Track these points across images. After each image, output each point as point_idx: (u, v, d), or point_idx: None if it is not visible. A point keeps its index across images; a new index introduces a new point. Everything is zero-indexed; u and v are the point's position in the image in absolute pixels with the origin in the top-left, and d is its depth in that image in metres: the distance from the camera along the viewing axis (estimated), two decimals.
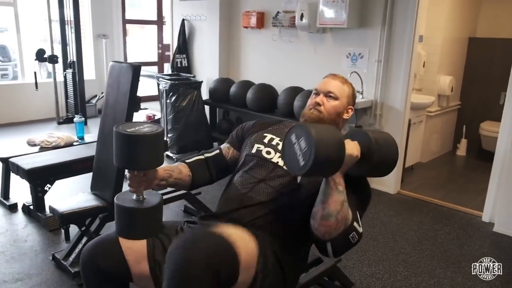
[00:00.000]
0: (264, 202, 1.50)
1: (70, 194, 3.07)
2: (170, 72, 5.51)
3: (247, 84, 4.45)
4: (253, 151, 1.63)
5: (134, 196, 1.33)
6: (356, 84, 3.83)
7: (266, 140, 1.66)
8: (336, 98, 1.61)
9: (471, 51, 5.07)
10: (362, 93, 3.82)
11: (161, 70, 7.71)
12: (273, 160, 1.59)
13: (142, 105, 7.36)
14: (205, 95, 4.84)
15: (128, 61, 7.59)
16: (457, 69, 5.01)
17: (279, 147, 1.58)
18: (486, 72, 4.96)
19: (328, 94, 1.61)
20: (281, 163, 1.55)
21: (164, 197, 2.94)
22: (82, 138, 3.79)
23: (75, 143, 3.66)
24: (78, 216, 2.49)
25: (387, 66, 3.68)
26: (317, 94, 1.64)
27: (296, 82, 4.21)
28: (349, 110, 1.65)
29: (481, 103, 5.02)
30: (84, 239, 2.53)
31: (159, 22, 7.58)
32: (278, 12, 4.36)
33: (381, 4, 3.60)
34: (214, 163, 1.73)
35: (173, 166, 1.64)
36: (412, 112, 4.00)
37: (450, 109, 4.97)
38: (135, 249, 1.47)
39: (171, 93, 4.44)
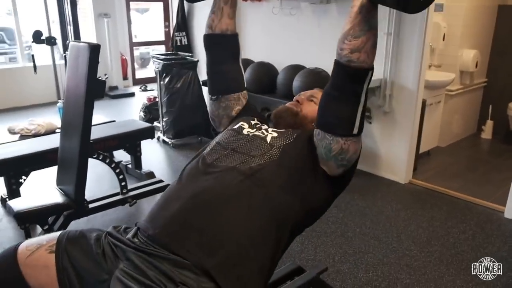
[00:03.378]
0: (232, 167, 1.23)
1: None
2: (170, 51, 5.20)
3: (245, 63, 4.08)
4: (236, 125, 1.43)
5: None
6: None
7: (253, 122, 1.46)
8: (317, 104, 1.41)
9: (501, 20, 4.49)
10: None
11: (168, 49, 7.40)
12: (247, 132, 1.38)
13: (149, 86, 7.12)
14: (203, 76, 4.51)
15: (134, 41, 7.34)
16: (484, 42, 4.46)
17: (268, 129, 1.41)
18: None
19: (310, 98, 1.50)
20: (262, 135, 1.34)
21: (145, 188, 2.69)
22: None
23: (57, 130, 3.42)
24: (38, 215, 2.26)
25: (398, 39, 3.24)
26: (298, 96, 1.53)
27: (297, 59, 3.81)
28: None
29: (511, 81, 4.48)
30: None
31: None
32: None
33: None
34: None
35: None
36: (428, 91, 3.57)
37: (475, 87, 4.45)
38: (38, 276, 1.18)
39: (164, 74, 4.14)
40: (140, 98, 6.18)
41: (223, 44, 1.51)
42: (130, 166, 3.54)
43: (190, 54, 4.68)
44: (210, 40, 1.52)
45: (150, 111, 5.01)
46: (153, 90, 6.84)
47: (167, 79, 4.12)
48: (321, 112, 1.23)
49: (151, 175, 3.38)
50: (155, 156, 4.04)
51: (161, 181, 2.81)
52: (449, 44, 4.09)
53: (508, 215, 2.86)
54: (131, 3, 6.87)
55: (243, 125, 1.44)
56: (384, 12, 3.23)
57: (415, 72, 3.19)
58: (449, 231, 2.69)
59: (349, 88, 1.15)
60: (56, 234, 1.24)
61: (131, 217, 2.75)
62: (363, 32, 1.09)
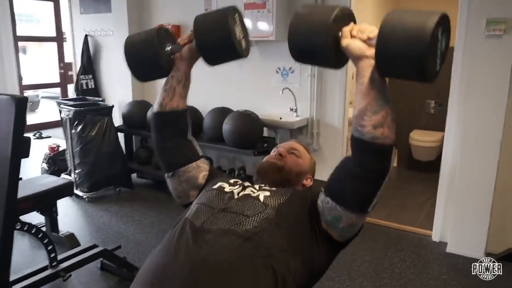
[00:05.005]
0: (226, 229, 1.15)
1: None
2: (74, 96, 4.79)
3: None
4: (216, 185, 1.35)
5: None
6: (289, 102, 3.50)
7: (232, 181, 1.39)
8: (299, 157, 1.48)
9: None
10: (296, 111, 3.50)
11: (64, 92, 6.85)
12: (233, 190, 1.31)
13: (45, 132, 6.46)
14: (117, 122, 4.22)
15: (24, 83, 6.64)
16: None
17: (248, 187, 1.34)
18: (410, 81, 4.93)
19: (291, 151, 1.48)
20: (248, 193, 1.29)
21: (78, 257, 2.35)
22: None
23: None
24: None
25: (321, 80, 3.40)
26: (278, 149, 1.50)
27: (222, 102, 3.77)
28: (309, 179, 1.49)
29: (408, 112, 4.99)
30: None
31: (59, 38, 6.73)
32: None
33: None
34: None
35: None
36: (350, 127, 3.77)
37: None
38: None
39: (76, 122, 3.76)
40: (37, 147, 5.55)
41: (174, 121, 1.43)
42: (44, 228, 3.09)
43: (100, 99, 4.36)
44: (159, 118, 1.42)
45: (55, 162, 4.50)
46: (49, 137, 6.21)
47: (79, 127, 3.75)
48: (337, 184, 1.16)
49: (72, 238, 2.98)
50: (70, 213, 3.60)
51: (94, 246, 2.48)
52: None
53: (436, 238, 3.09)
54: (22, 42, 6.25)
55: (222, 184, 1.36)
56: None
57: (339, 111, 3.36)
58: (392, 262, 2.81)
59: (376, 166, 1.08)
60: None
61: None
62: (381, 107, 1.04)
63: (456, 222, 2.90)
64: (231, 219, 1.17)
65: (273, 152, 1.52)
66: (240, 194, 1.28)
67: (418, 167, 4.71)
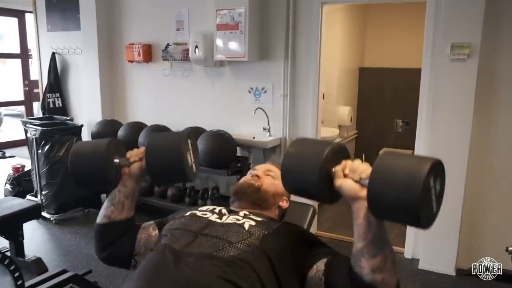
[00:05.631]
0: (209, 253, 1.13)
1: None
2: (41, 115, 4.65)
3: (137, 126, 3.85)
4: (186, 214, 1.35)
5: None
6: (262, 121, 3.53)
7: (204, 209, 1.38)
8: (275, 178, 1.48)
9: (363, 80, 5.18)
10: (269, 131, 3.52)
11: (29, 110, 6.64)
12: (210, 218, 1.30)
13: (8, 152, 6.22)
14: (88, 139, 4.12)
15: None
16: (353, 99, 5.06)
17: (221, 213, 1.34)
18: (379, 100, 5.08)
19: (266, 172, 1.51)
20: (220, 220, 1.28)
21: (47, 284, 2.25)
22: None
23: None
24: None
25: (293, 100, 3.44)
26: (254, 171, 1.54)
27: (193, 121, 3.76)
28: (285, 201, 1.51)
29: (376, 131, 5.12)
30: None
31: (24, 55, 6.56)
32: (168, 44, 3.90)
33: (282, 37, 3.37)
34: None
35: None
36: None
37: (349, 138, 4.96)
38: None
39: (43, 142, 3.64)
40: (0, 167, 5.33)
41: (120, 230, 1.36)
42: (9, 253, 2.95)
43: (68, 118, 4.25)
44: (105, 229, 1.35)
45: (19, 183, 4.33)
46: (13, 156, 5.98)
47: (46, 147, 3.64)
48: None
49: (39, 263, 2.86)
50: (36, 236, 3.45)
51: (64, 271, 2.38)
52: (328, 102, 4.52)
53: (408, 255, 3.15)
54: None
55: (194, 212, 1.35)
56: (278, 76, 3.43)
57: (312, 130, 3.41)
58: None
59: None
60: None
61: None
62: (380, 250, 0.99)
63: (427, 240, 2.97)
64: (214, 244, 1.16)
65: (249, 174, 1.54)
66: (225, 221, 1.27)
67: None
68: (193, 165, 1.32)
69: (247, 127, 3.62)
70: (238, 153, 3.54)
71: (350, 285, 1.05)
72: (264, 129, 3.54)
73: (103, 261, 1.39)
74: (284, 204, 1.50)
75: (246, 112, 3.58)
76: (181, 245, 1.16)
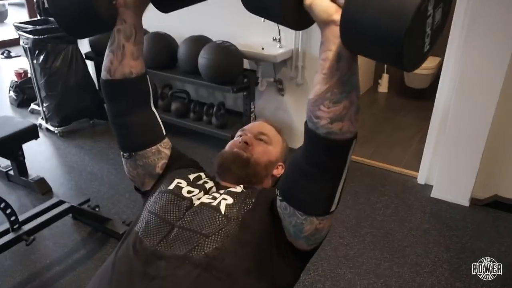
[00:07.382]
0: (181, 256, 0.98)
1: None
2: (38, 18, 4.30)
3: None
4: (170, 187, 1.16)
5: None
6: (273, 31, 3.16)
7: (192, 177, 1.20)
8: (268, 143, 1.29)
9: None
10: (280, 41, 3.17)
11: (32, 12, 6.20)
12: (192, 198, 1.12)
13: (14, 51, 5.99)
14: (85, 48, 3.84)
15: None
16: None
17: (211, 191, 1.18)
18: None
19: (258, 136, 1.29)
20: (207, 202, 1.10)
21: (43, 217, 2.22)
22: None
23: None
24: None
25: None
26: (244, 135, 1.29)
27: (198, 29, 3.39)
28: (279, 167, 1.30)
29: None
30: None
31: None
32: None
33: None
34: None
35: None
36: None
37: None
38: None
39: (37, 52, 3.40)
40: (5, 69, 5.18)
41: (127, 92, 1.14)
42: (12, 172, 2.93)
43: None
44: (109, 88, 1.13)
45: (23, 90, 4.21)
46: (19, 56, 5.78)
47: (41, 58, 3.40)
48: (291, 186, 0.97)
49: (42, 183, 2.84)
50: (40, 151, 3.41)
51: (61, 202, 2.33)
52: None
53: (421, 180, 2.99)
54: None
55: (180, 183, 1.17)
56: None
57: None
58: (374, 207, 2.73)
59: (330, 164, 0.90)
60: None
61: (29, 262, 2.23)
62: (345, 95, 0.81)
63: (444, 165, 2.77)
64: (187, 239, 1.01)
65: (238, 137, 1.30)
66: (199, 202, 1.10)
67: (410, 95, 4.48)
68: None
69: (255, 36, 3.26)
70: (246, 65, 3.24)
71: (303, 163, 0.93)
72: (274, 39, 3.18)
73: (112, 125, 1.21)
74: (278, 171, 1.29)
75: (255, 18, 3.17)
76: (154, 242, 1.01)
